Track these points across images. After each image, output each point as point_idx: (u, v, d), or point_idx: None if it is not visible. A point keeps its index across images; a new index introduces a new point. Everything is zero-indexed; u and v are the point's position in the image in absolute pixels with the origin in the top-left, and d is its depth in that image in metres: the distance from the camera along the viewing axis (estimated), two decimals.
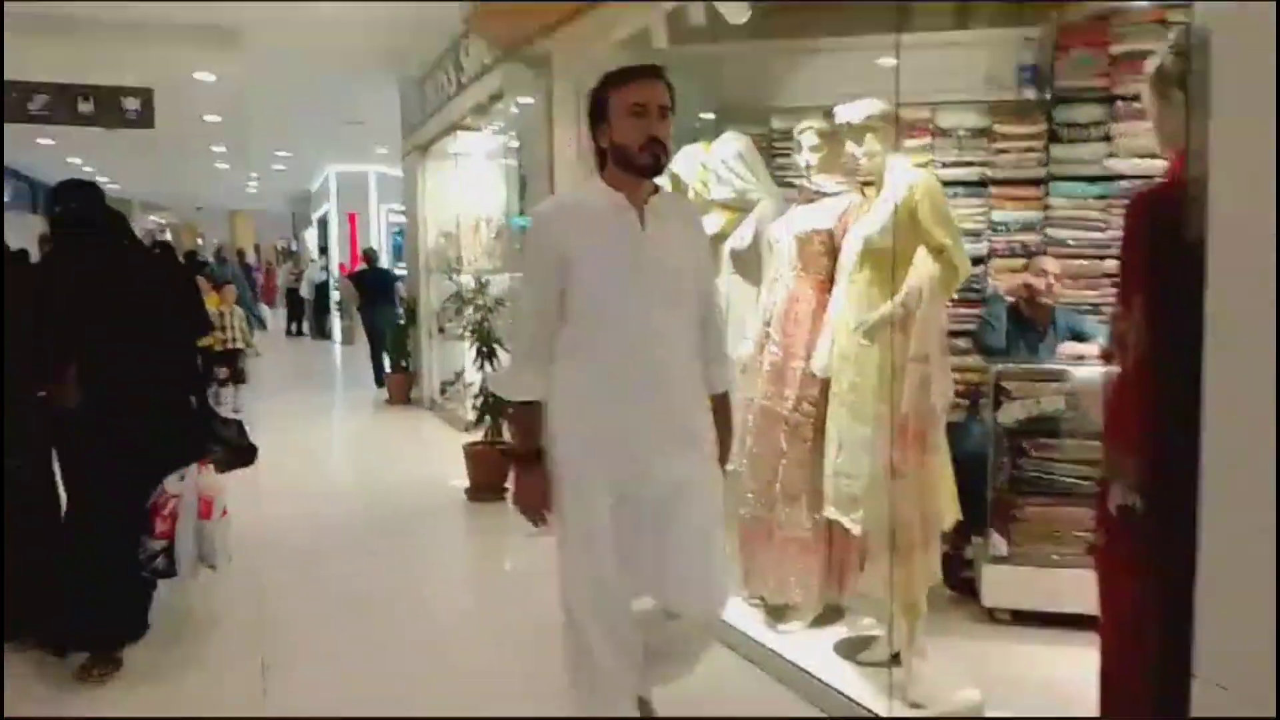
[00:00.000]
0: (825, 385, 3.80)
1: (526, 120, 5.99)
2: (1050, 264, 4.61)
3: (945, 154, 5.23)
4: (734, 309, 4.38)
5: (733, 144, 4.49)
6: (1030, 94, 5.12)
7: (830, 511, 3.67)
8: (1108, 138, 5.11)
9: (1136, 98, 5.01)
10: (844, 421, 3.55)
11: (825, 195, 3.97)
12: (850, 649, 3.81)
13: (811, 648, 3.83)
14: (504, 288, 6.57)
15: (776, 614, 4.03)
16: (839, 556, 3.95)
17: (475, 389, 6.39)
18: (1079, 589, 3.74)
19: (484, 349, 6.14)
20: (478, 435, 6.37)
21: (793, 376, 3.88)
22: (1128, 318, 2.29)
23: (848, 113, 3.59)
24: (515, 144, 6.82)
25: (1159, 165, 5.06)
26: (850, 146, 3.61)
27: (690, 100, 5.73)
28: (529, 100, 6.17)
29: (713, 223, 4.71)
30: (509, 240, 8.21)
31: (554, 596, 2.78)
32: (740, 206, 4.56)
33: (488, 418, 6.12)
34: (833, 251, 3.90)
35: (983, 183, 5.17)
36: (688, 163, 4.82)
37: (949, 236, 3.35)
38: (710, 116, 5.39)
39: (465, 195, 8.80)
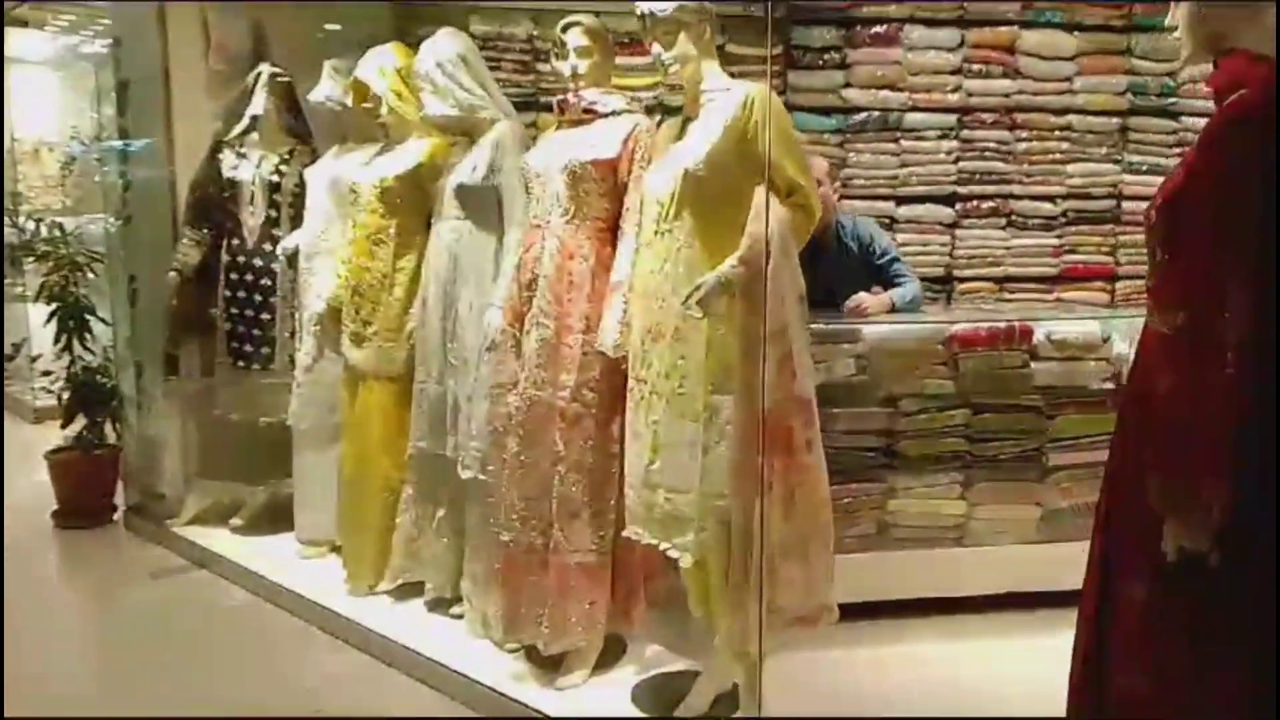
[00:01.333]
0: (611, 366, 2.83)
1: (124, 13, 4.28)
2: (820, 165, 3.83)
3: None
4: (465, 265, 3.25)
5: (451, 44, 3.33)
6: (755, 10, 4.38)
7: (637, 533, 2.73)
8: (844, 65, 4.54)
9: (879, 21, 4.48)
10: (660, 416, 2.62)
11: (599, 115, 2.96)
12: (656, 696, 2.93)
13: (603, 702, 2.90)
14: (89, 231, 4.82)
15: (549, 665, 3.03)
16: (626, 580, 3.04)
17: (57, 374, 4.62)
18: (879, 575, 3.42)
19: (68, 319, 4.41)
20: (54, 431, 4.63)
21: (570, 356, 2.88)
22: (1212, 295, 1.59)
23: (652, 3, 2.59)
24: (95, 45, 4.99)
25: (897, 98, 4.66)
26: (655, 49, 2.63)
27: None
28: None
29: (414, 150, 3.53)
30: (83, 171, 6.24)
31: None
32: (458, 128, 3.41)
33: (80, 414, 4.42)
34: (615, 190, 2.92)
35: None
36: (376, 68, 3.56)
37: (799, 170, 2.50)
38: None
39: (20, 112, 6.60)
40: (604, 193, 2.92)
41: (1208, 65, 1.75)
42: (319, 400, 3.97)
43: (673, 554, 2.62)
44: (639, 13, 2.64)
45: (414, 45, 3.65)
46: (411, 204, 3.63)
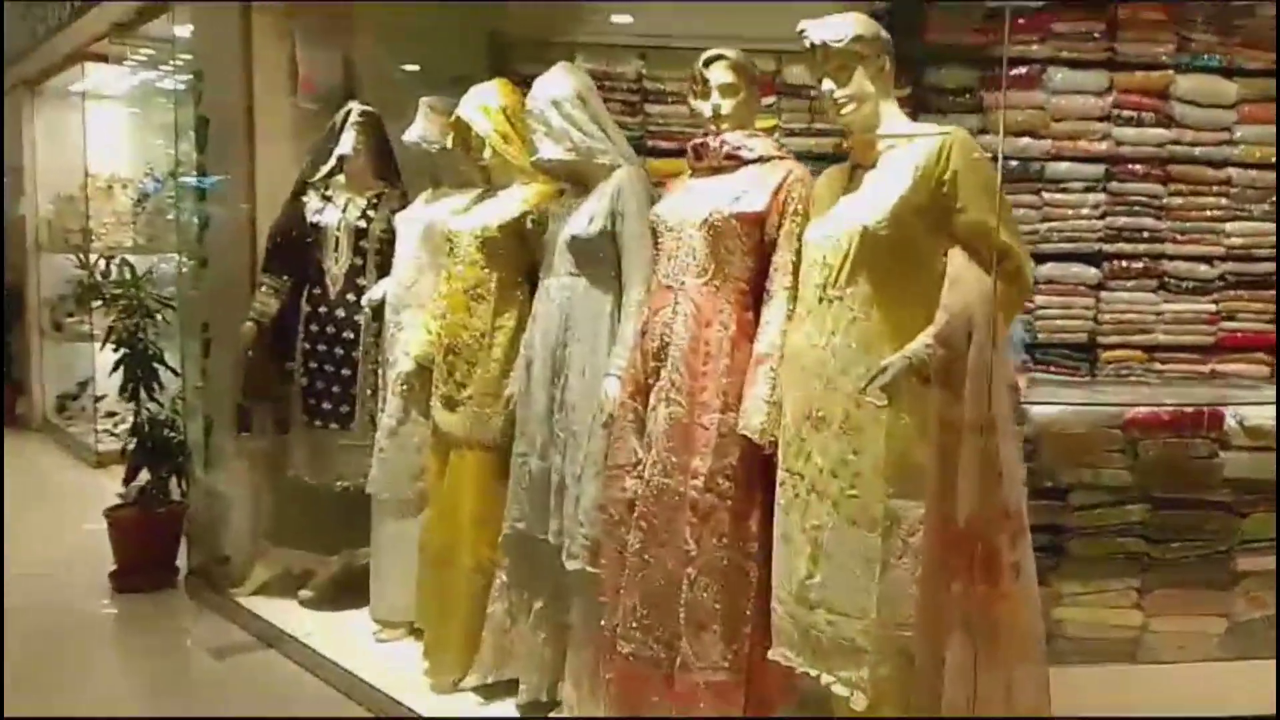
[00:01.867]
0: (752, 452, 2.40)
1: (206, 47, 3.97)
2: None
3: (796, 118, 3.99)
4: (578, 326, 2.85)
5: (567, 82, 2.94)
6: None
7: (787, 657, 2.28)
8: (980, 108, 4.08)
9: (1021, 61, 4.03)
10: (824, 521, 2.18)
11: (744, 161, 2.54)
12: None
13: None
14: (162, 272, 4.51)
15: None
16: (760, 702, 2.58)
17: (122, 415, 4.29)
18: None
19: (135, 367, 4.07)
20: (117, 478, 4.29)
21: (704, 438, 2.46)
22: None
23: (823, 30, 2.18)
24: (175, 80, 4.71)
25: (1039, 146, 4.20)
26: (827, 84, 2.21)
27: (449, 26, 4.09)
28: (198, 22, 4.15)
29: (518, 197, 3.14)
30: (157, 209, 5.98)
31: None
32: (572, 174, 3.03)
33: (144, 470, 4.07)
34: (761, 248, 2.50)
35: (840, 156, 3.93)
36: (479, 106, 3.19)
37: (1010, 232, 2.06)
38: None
39: (96, 148, 6.37)
40: (748, 250, 2.50)
41: None
42: (403, 467, 3.57)
43: (839, 690, 2.16)
44: (808, 43, 2.22)
45: (516, 84, 3.29)
46: (514, 256, 3.25)
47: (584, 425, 2.84)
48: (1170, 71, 4.15)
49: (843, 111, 2.23)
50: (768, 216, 2.49)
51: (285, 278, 3.93)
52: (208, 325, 4.02)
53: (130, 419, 4.31)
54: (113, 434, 6.10)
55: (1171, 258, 4.18)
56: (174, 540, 4.26)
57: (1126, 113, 4.13)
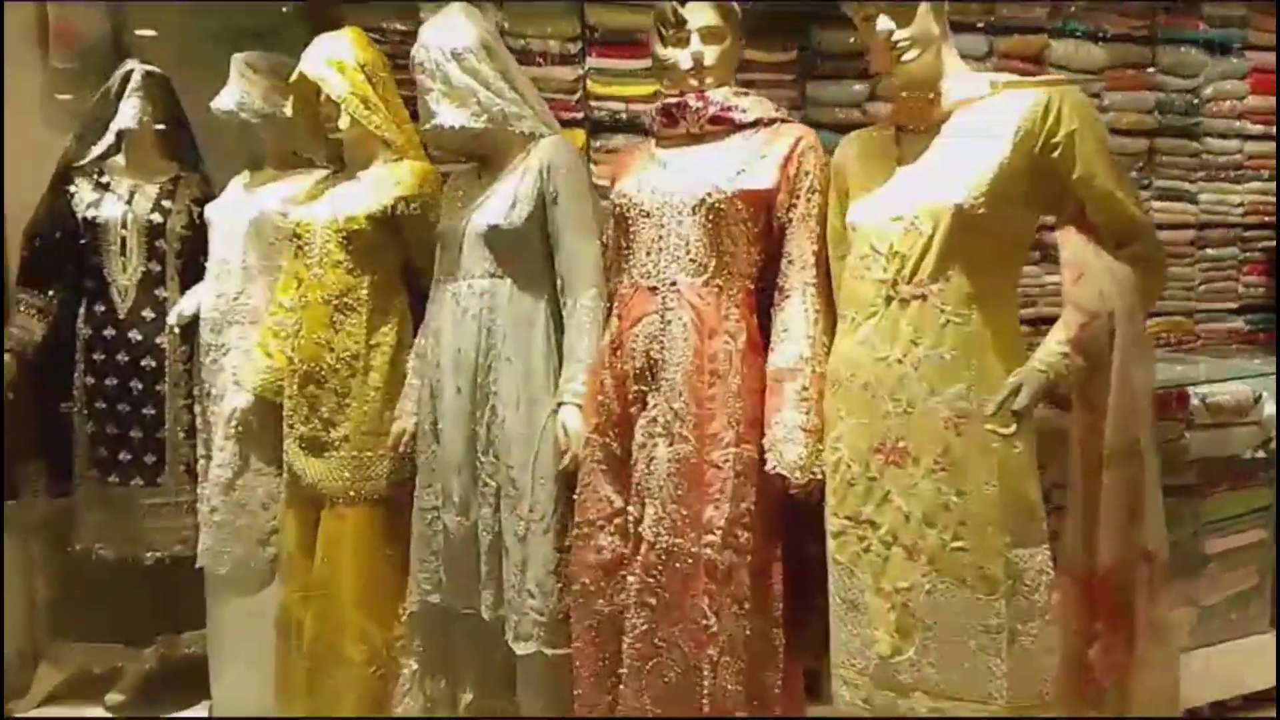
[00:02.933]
0: (767, 490, 1.85)
1: None
2: None
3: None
4: (506, 343, 2.17)
5: (469, 28, 2.23)
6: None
7: None
8: (866, 75, 3.67)
9: None
10: (917, 582, 1.65)
11: (736, 126, 1.96)
12: None
13: None
14: None
15: None
16: None
17: None
18: None
19: None
20: None
21: (718, 483, 1.86)
22: None
23: None
24: None
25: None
26: (884, 24, 1.66)
27: None
28: None
29: (388, 179, 2.43)
30: None
31: None
32: (473, 148, 2.34)
33: None
34: (767, 235, 1.93)
35: None
36: (330, 62, 2.42)
37: (1136, 204, 1.60)
38: None
39: None
40: (753, 239, 1.93)
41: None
42: (244, 531, 2.73)
43: None
44: None
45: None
46: (389, 254, 2.51)
47: (523, 470, 2.16)
48: (1045, 35, 3.93)
49: (904, 59, 1.69)
50: (776, 195, 1.92)
51: (51, 293, 2.93)
52: None
53: None
54: None
55: (1049, 228, 3.97)
56: None
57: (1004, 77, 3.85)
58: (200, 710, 2.97)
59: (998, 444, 1.62)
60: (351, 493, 2.47)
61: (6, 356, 2.86)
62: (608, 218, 2.22)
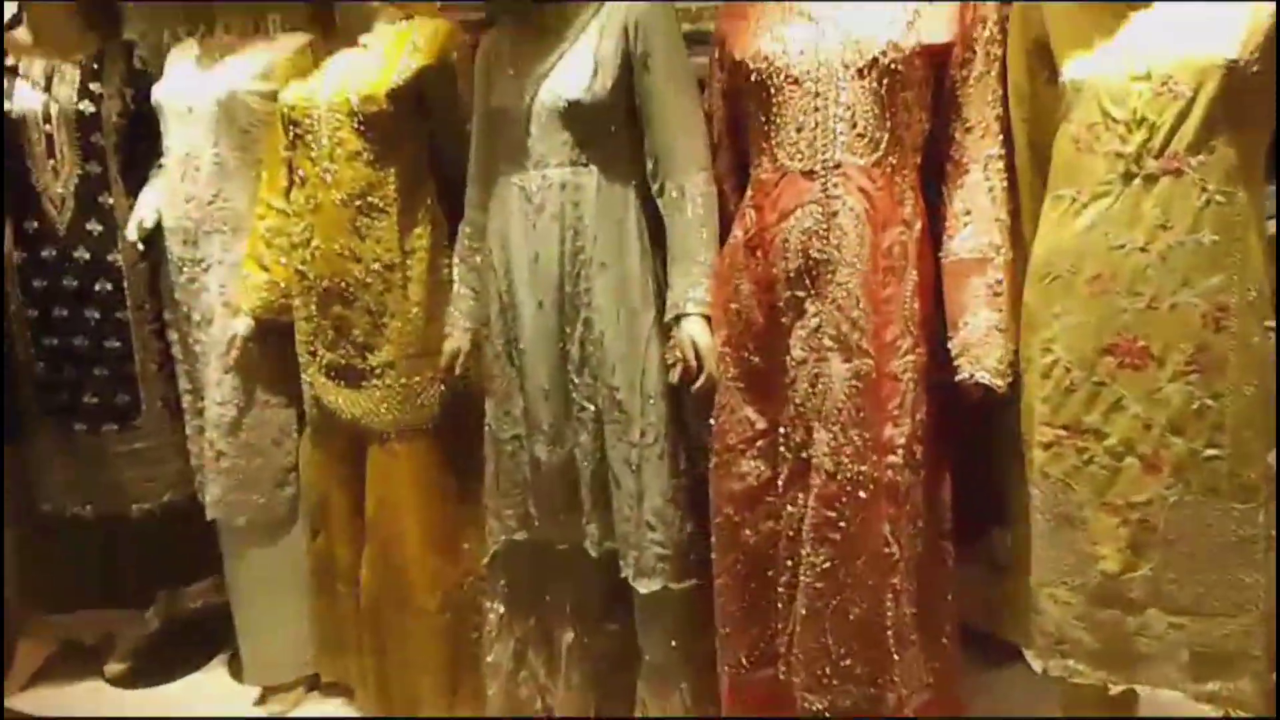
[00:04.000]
0: (948, 400, 1.63)
1: None
2: None
3: None
4: (597, 244, 1.84)
5: None
6: None
7: (1082, 671, 1.62)
8: None
9: None
10: (1161, 495, 1.48)
11: None
12: None
13: None
14: None
15: None
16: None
17: None
18: None
19: None
20: None
21: (897, 395, 1.63)
22: None
23: None
24: None
25: None
26: None
27: None
28: None
29: (392, 44, 2.01)
30: None
31: None
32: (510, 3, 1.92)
33: None
34: (939, 100, 1.61)
35: None
36: None
37: None
38: None
39: None
40: (925, 106, 1.60)
41: None
42: (260, 473, 2.33)
43: (1208, 709, 1.51)
44: None
45: None
46: (413, 139, 2.08)
47: (630, 390, 1.85)
48: None
49: None
50: (952, 49, 1.59)
51: None
52: None
53: None
54: None
55: None
56: None
57: None
58: (217, 667, 2.64)
59: (1258, 339, 1.41)
60: (404, 425, 2.11)
61: None
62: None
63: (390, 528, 2.14)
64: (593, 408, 1.89)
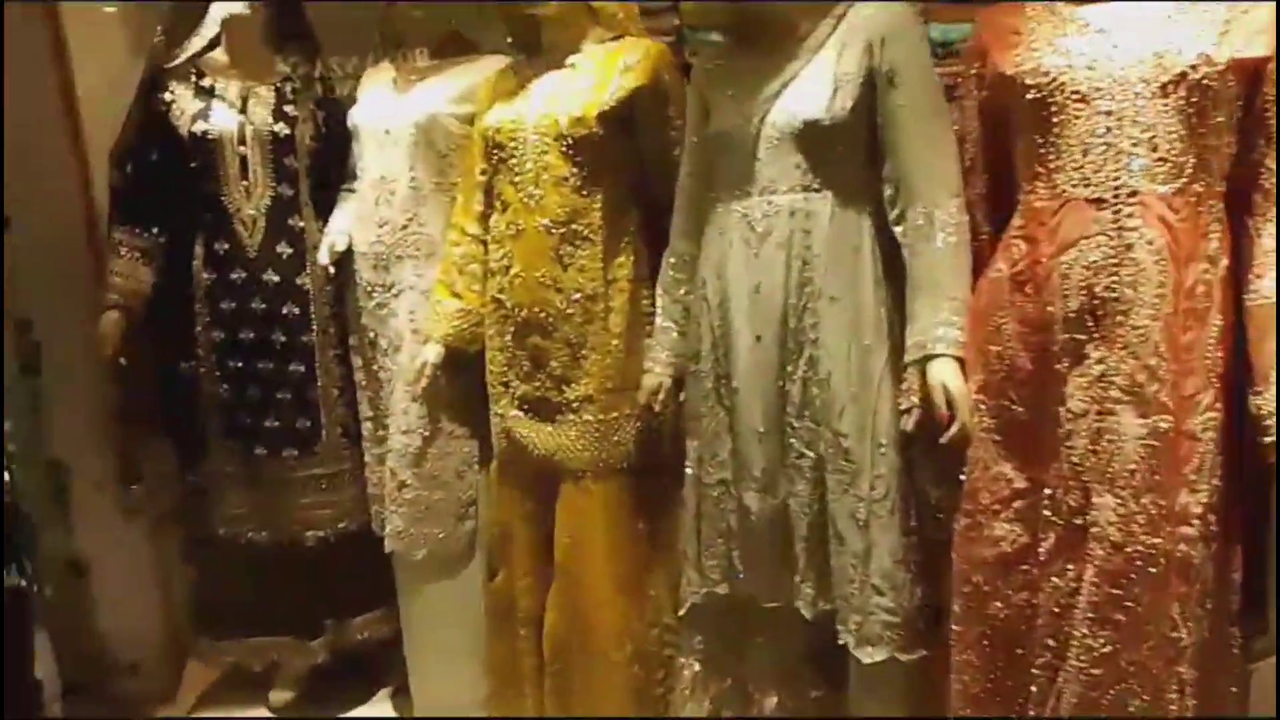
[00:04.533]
0: (1255, 463, 1.38)
1: None
2: None
3: None
4: (827, 277, 1.64)
5: None
6: None
7: None
8: None
9: None
10: None
11: None
12: None
13: None
14: None
15: None
16: None
17: None
18: None
19: None
20: None
21: (1196, 457, 1.41)
22: None
23: None
24: None
25: None
26: None
27: None
28: None
29: (601, 64, 1.86)
30: None
31: None
32: (735, 17, 1.76)
33: None
34: (1246, 120, 1.39)
35: None
36: None
37: None
38: None
39: None
40: (1235, 126, 1.38)
41: None
42: (441, 507, 2.23)
43: None
44: None
45: None
46: (622, 164, 1.94)
47: (859, 437, 1.66)
48: None
49: None
50: (1266, 65, 1.37)
51: (155, 230, 2.33)
52: (29, 323, 2.34)
53: None
54: None
55: None
56: (21, 657, 2.62)
57: None
58: (382, 700, 2.54)
59: None
60: (599, 463, 1.97)
61: (112, 314, 2.28)
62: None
63: (581, 570, 2.00)
64: (813, 455, 1.71)
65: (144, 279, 2.31)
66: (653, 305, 1.98)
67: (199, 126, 2.25)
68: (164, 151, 2.29)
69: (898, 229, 1.66)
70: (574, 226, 1.92)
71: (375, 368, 2.28)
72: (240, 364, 2.33)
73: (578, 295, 1.93)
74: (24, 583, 2.61)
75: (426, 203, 2.17)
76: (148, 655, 2.56)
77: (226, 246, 2.30)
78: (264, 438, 2.36)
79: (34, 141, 2.29)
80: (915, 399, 1.62)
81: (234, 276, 2.30)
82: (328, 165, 2.36)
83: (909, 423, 1.64)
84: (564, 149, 1.89)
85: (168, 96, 2.28)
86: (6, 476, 2.52)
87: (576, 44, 1.96)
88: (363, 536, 2.40)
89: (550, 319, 1.94)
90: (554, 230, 1.92)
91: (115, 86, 2.33)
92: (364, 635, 2.53)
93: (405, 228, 2.18)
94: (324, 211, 2.35)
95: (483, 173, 2.08)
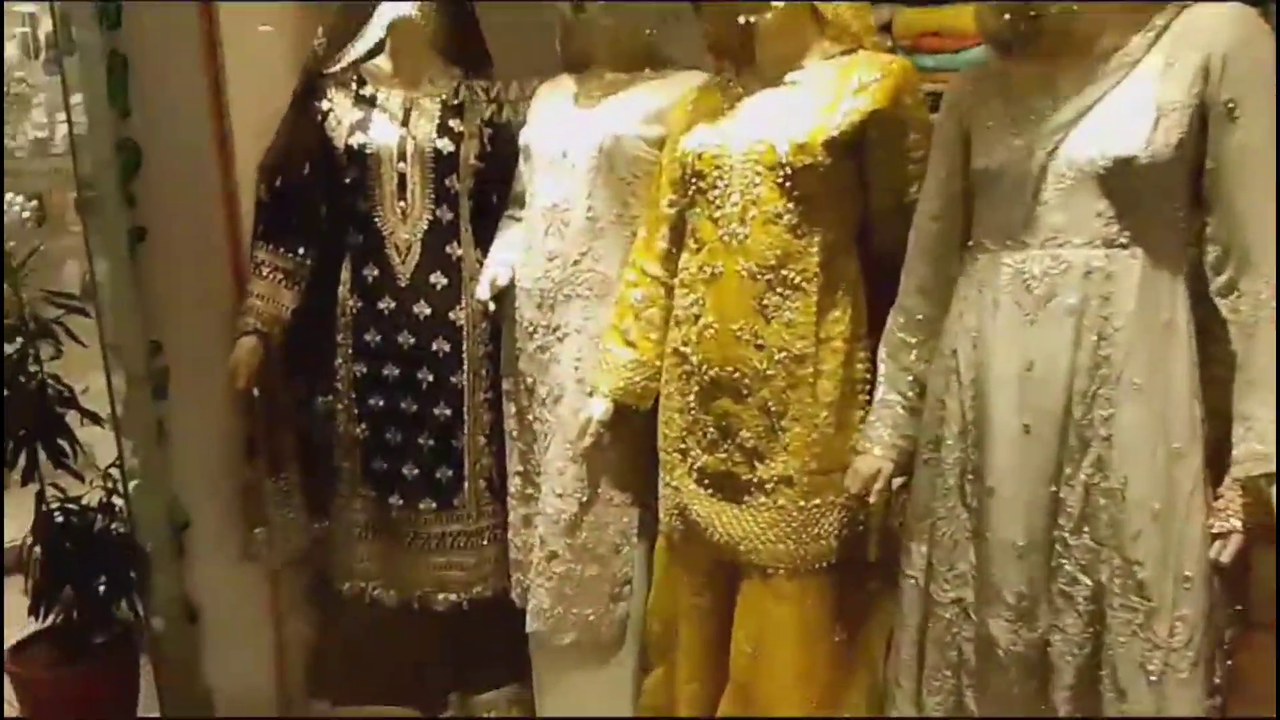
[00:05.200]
0: None
1: None
2: None
3: None
4: (1131, 352, 1.21)
5: None
6: None
7: None
8: None
9: None
10: None
11: None
12: None
13: None
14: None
15: None
16: None
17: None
18: None
19: (23, 422, 2.17)
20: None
21: None
22: None
23: None
24: None
25: None
26: None
27: None
28: None
29: (830, 83, 1.46)
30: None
31: None
32: (1000, 32, 1.37)
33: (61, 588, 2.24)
34: None
35: None
36: None
37: None
38: None
39: None
40: None
41: None
42: (593, 585, 1.91)
43: None
44: None
45: None
46: (848, 202, 1.59)
47: (1158, 565, 1.27)
48: None
49: None
50: None
51: (301, 251, 2.08)
52: (159, 345, 2.11)
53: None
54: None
55: None
56: (126, 697, 2.40)
57: None
58: None
59: None
60: (795, 560, 1.61)
61: (249, 340, 2.04)
62: None
63: (763, 687, 1.65)
64: (1091, 582, 1.33)
65: (285, 303, 2.07)
66: (868, 371, 1.64)
67: (357, 139, 2.01)
68: (317, 165, 2.06)
69: (1223, 301, 1.27)
70: (784, 272, 1.58)
71: (530, 418, 1.98)
72: (381, 403, 2.07)
73: (782, 354, 1.59)
74: (135, 619, 2.41)
75: (603, 236, 1.87)
76: (255, 712, 2.30)
77: (376, 273, 2.04)
78: (401, 486, 2.09)
79: (177, 144, 2.08)
80: (1238, 522, 1.22)
81: (381, 306, 2.04)
82: (490, 189, 2.09)
83: (1226, 552, 1.24)
84: (779, 180, 1.56)
85: (325, 104, 2.05)
86: (122, 505, 2.34)
87: (798, 58, 1.63)
88: (499, 604, 2.10)
89: (746, 380, 1.61)
90: (760, 275, 1.58)
91: (268, 94, 2.10)
92: (490, 715, 2.21)
93: (577, 263, 1.87)
94: (482, 240, 2.08)
95: (670, 205, 1.77)
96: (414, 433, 2.07)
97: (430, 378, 2.04)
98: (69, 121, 2.12)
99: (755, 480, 1.63)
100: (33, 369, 2.22)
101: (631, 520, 1.92)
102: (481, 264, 2.05)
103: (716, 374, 1.63)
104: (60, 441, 2.27)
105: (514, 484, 2.05)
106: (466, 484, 2.09)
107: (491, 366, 2.08)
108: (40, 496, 2.30)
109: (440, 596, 2.12)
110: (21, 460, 2.24)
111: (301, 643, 2.30)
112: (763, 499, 1.62)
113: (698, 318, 1.66)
